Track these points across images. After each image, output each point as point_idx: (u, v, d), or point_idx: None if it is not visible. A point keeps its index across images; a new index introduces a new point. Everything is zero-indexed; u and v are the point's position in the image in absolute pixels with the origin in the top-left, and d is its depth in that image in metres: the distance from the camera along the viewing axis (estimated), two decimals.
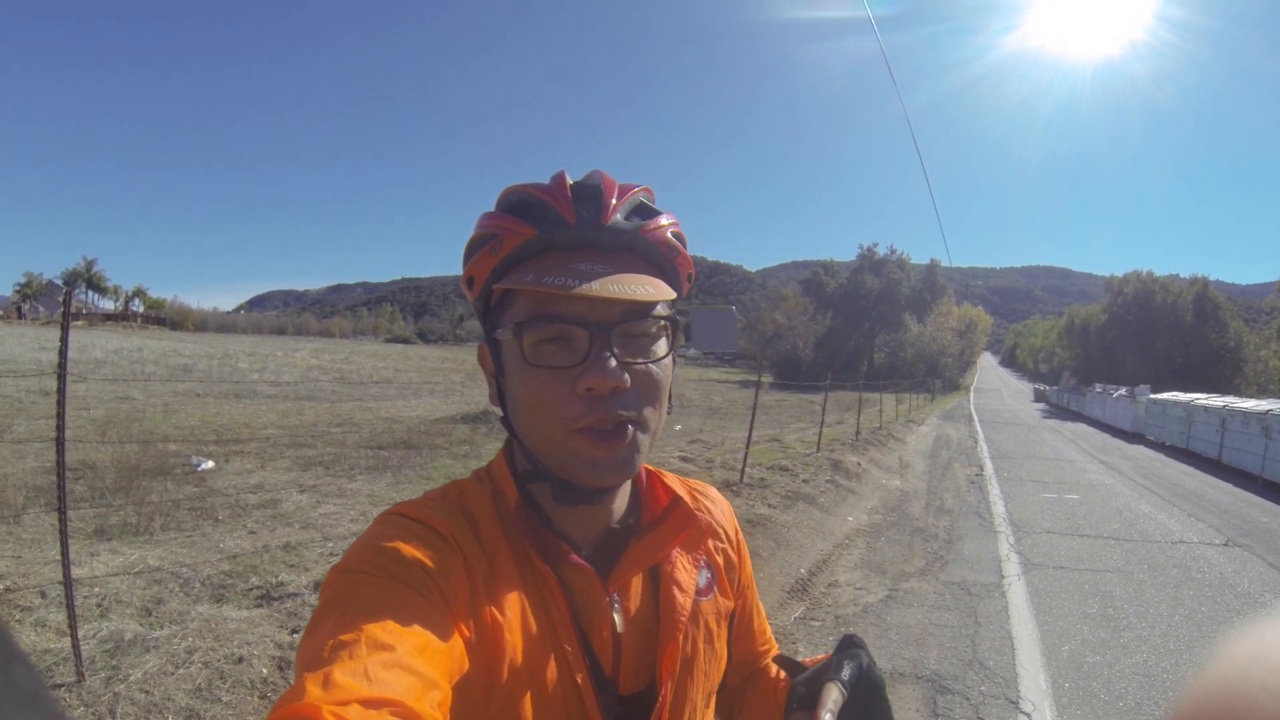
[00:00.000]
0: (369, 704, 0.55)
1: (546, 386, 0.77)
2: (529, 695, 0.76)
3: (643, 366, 0.80)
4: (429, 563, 0.73)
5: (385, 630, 0.62)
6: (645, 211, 0.83)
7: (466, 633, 0.72)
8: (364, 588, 0.68)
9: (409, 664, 0.60)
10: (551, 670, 0.78)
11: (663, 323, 0.82)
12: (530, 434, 0.81)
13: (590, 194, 0.80)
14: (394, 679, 0.58)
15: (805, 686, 0.86)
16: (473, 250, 0.82)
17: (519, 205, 0.81)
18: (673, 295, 0.80)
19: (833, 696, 0.81)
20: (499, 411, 0.88)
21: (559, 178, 0.82)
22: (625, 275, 0.77)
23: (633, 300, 0.76)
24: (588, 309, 0.77)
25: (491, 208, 0.84)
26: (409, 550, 0.73)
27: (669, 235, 0.83)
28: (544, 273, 0.76)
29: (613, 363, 0.76)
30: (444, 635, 0.67)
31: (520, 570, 0.82)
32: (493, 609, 0.76)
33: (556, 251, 0.79)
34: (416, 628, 0.64)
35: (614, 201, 0.80)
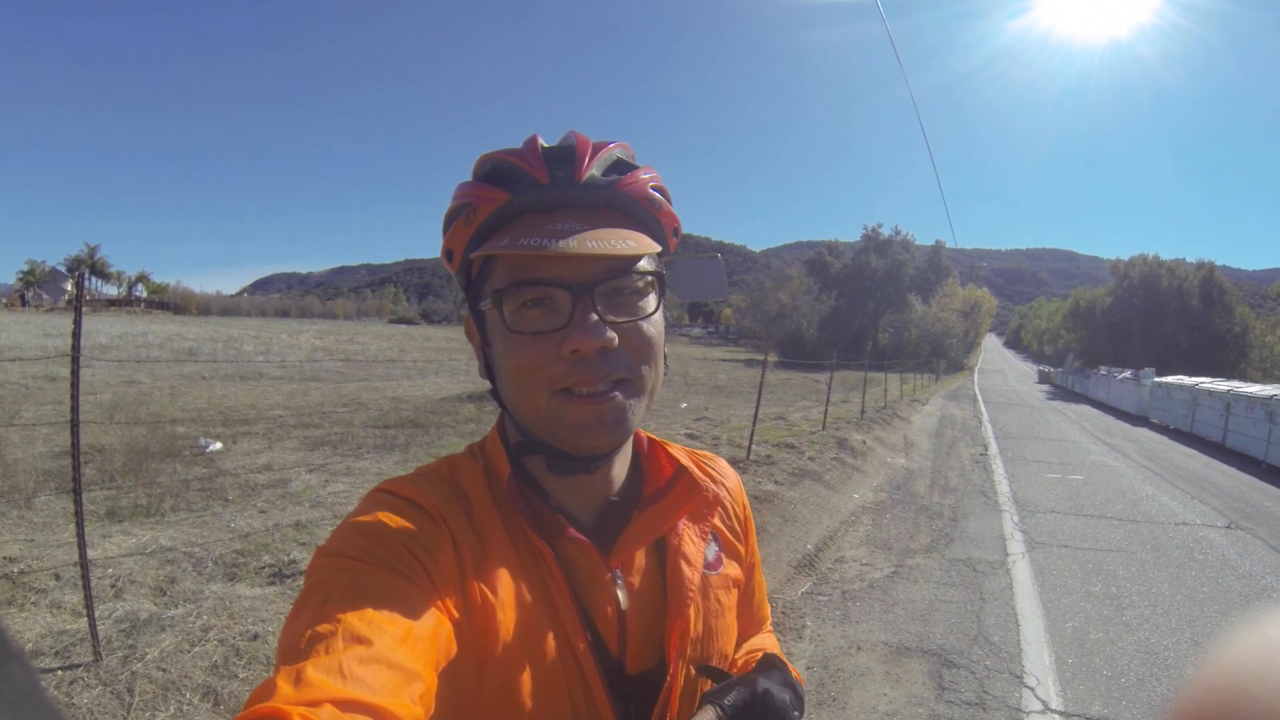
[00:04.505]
0: (342, 705, 0.53)
1: (531, 352, 0.75)
2: (527, 676, 0.74)
3: (631, 324, 0.77)
4: (414, 542, 0.71)
5: (364, 621, 0.60)
6: (623, 167, 0.81)
7: (455, 614, 0.70)
8: (345, 573, 0.66)
9: (388, 657, 0.58)
10: (551, 650, 0.76)
11: (649, 278, 0.79)
12: (518, 403, 0.79)
13: (564, 154, 0.78)
14: (370, 675, 0.56)
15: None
16: (449, 221, 0.80)
17: (492, 172, 0.79)
18: (657, 249, 0.78)
19: (706, 718, 0.78)
20: (488, 384, 0.86)
21: (531, 140, 0.80)
22: (604, 231, 0.75)
23: (613, 255, 0.74)
24: (568, 269, 0.74)
25: (469, 178, 0.82)
26: (393, 530, 0.71)
27: (649, 189, 0.81)
28: (520, 235, 0.74)
29: (597, 322, 0.74)
30: (429, 620, 0.65)
31: (516, 547, 0.80)
32: (483, 587, 0.74)
33: (532, 214, 0.77)
34: (398, 615, 0.63)
35: (588, 158, 0.78)
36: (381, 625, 0.61)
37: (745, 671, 0.87)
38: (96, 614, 3.49)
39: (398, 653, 0.59)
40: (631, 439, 0.91)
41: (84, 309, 3.49)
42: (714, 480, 0.99)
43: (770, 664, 0.87)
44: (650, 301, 0.80)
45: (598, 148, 0.79)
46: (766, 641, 1.09)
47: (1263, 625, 0.23)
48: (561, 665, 0.77)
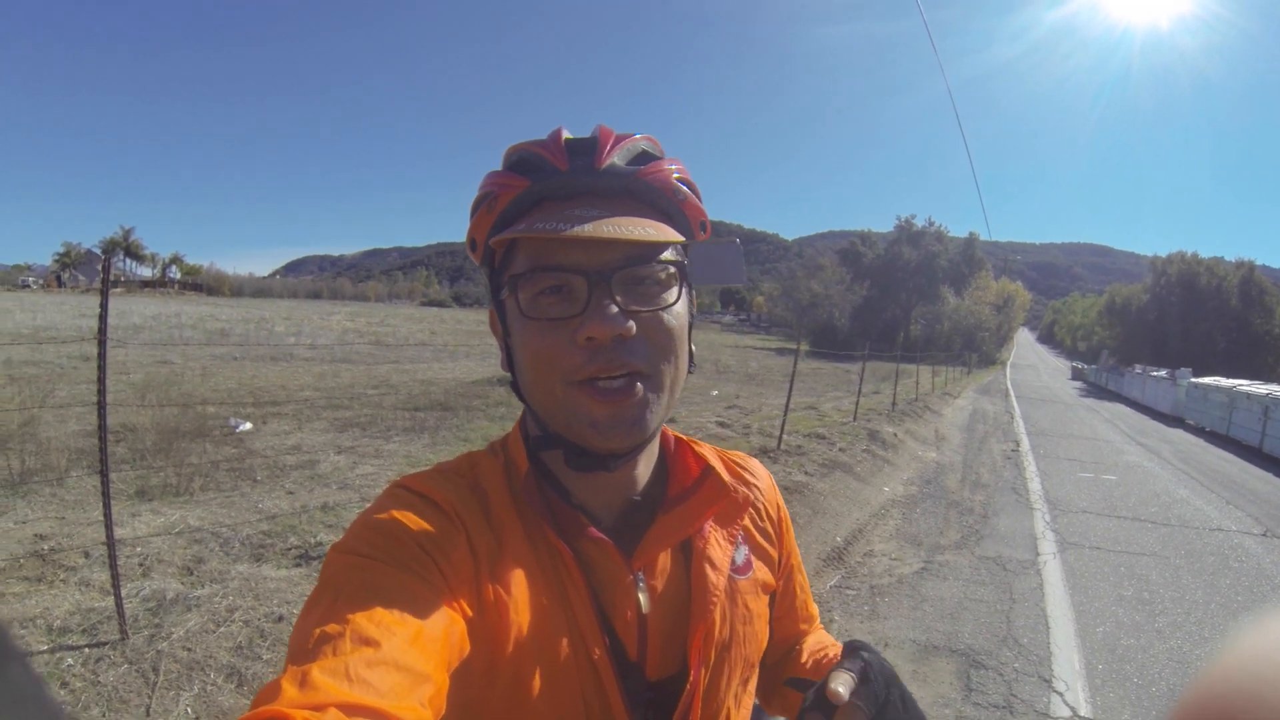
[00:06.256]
0: (347, 709, 0.52)
1: (546, 340, 0.74)
2: (538, 678, 0.72)
3: (650, 314, 0.75)
4: (429, 540, 0.70)
5: (373, 622, 0.59)
6: (648, 158, 0.80)
7: (469, 612, 0.69)
8: (357, 571, 0.66)
9: (396, 659, 0.57)
10: (564, 652, 0.74)
11: (671, 269, 0.77)
12: (534, 393, 0.78)
13: (586, 144, 0.77)
14: (377, 678, 0.55)
15: (815, 693, 0.76)
16: (473, 211, 0.81)
17: (518, 162, 0.78)
18: (679, 239, 0.76)
19: (842, 680, 0.74)
20: (509, 376, 0.84)
21: (555, 132, 0.79)
22: (623, 218, 0.73)
23: (630, 241, 0.72)
24: (585, 256, 0.73)
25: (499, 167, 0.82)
26: (408, 528, 0.70)
27: (673, 179, 0.79)
28: (537, 220, 0.73)
29: (614, 309, 0.72)
30: (441, 620, 0.64)
31: (533, 546, 0.78)
32: (497, 587, 0.72)
33: (551, 201, 0.76)
34: (409, 616, 0.61)
35: (609, 147, 0.77)
36: (391, 626, 0.60)
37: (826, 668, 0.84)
38: (124, 592, 3.53)
39: (407, 655, 0.58)
40: (658, 437, 0.89)
41: (119, 290, 3.51)
42: (744, 482, 0.97)
43: (859, 645, 0.82)
44: (672, 293, 0.78)
45: (621, 138, 0.79)
46: (825, 639, 1.07)
47: (1265, 626, 0.23)
48: (576, 668, 0.75)
